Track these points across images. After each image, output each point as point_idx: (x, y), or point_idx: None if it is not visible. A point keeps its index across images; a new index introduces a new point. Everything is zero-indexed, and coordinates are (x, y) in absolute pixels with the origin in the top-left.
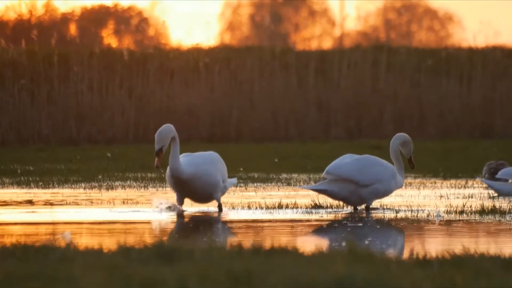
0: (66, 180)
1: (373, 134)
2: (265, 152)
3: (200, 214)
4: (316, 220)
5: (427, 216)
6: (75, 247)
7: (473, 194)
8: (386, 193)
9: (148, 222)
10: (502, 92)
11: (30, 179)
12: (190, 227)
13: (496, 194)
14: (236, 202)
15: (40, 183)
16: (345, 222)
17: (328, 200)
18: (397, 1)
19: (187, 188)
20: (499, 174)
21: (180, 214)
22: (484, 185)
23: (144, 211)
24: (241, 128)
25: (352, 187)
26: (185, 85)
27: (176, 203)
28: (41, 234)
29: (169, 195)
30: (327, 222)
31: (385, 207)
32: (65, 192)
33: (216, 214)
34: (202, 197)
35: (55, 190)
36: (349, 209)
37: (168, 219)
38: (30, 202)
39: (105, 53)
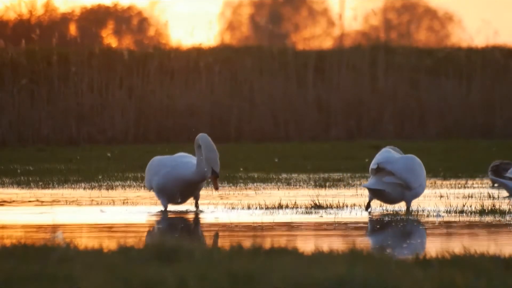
0: (66, 180)
1: (373, 134)
2: (265, 152)
3: (185, 214)
4: (316, 220)
5: (427, 216)
6: (75, 247)
7: (473, 194)
8: (417, 197)
9: (143, 225)
10: (502, 92)
11: (30, 179)
12: (185, 227)
13: (507, 194)
14: (236, 203)
15: (40, 183)
16: (345, 222)
17: (328, 200)
18: (397, 1)
19: (191, 189)
20: (509, 172)
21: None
22: (484, 185)
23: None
24: (241, 128)
25: (399, 187)
26: (185, 85)
27: (164, 208)
28: (31, 234)
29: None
30: (327, 222)
31: (385, 207)
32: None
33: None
34: (191, 196)
35: (54, 191)
36: (349, 209)
37: (163, 221)
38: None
39: (105, 53)
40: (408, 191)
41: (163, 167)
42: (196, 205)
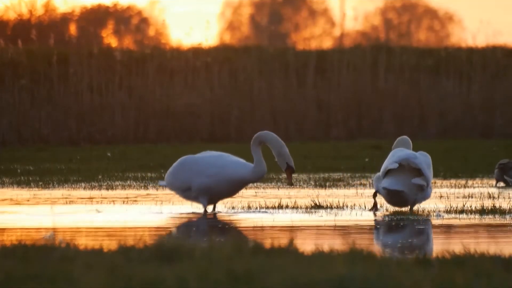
0: (66, 180)
1: (373, 134)
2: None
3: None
4: (316, 220)
5: (427, 216)
6: (75, 247)
7: (473, 194)
8: (428, 198)
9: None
10: (502, 92)
11: (30, 179)
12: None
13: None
14: (236, 203)
15: (40, 183)
16: (345, 222)
17: (328, 200)
18: (397, 1)
19: (238, 189)
20: None
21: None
22: (484, 185)
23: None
24: (241, 128)
25: (414, 188)
26: (185, 85)
27: (205, 208)
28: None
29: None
30: (327, 222)
31: (385, 207)
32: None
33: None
34: (231, 196)
35: (53, 191)
36: (349, 209)
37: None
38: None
39: (104, 53)
40: (421, 192)
41: (210, 166)
42: (214, 207)
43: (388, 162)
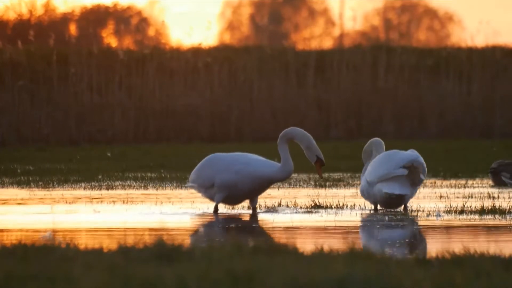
0: (66, 180)
1: (373, 134)
2: (265, 152)
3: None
4: (316, 220)
5: (427, 216)
6: (75, 247)
7: (473, 194)
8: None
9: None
10: (502, 92)
11: (30, 179)
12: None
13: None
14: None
15: (40, 183)
16: (345, 222)
17: (328, 200)
18: (397, 1)
19: (263, 189)
20: None
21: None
22: (484, 185)
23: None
24: (241, 128)
25: (413, 188)
26: (185, 85)
27: (217, 205)
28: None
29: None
30: (327, 222)
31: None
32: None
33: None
34: (254, 196)
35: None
36: (349, 209)
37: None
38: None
39: (104, 52)
40: (415, 190)
41: (236, 162)
42: (254, 209)
43: (388, 167)
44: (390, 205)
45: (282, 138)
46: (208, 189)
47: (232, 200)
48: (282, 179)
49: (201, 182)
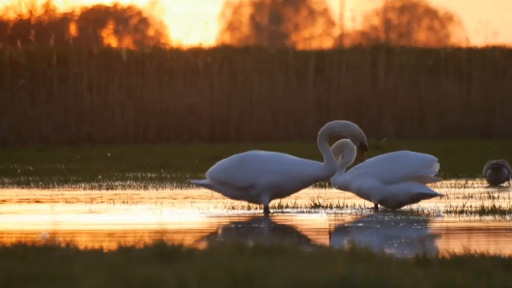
0: (66, 180)
1: (373, 134)
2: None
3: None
4: (316, 220)
5: (427, 216)
6: (75, 247)
7: (473, 194)
8: None
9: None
10: (502, 92)
11: (30, 179)
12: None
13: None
14: (236, 203)
15: (40, 183)
16: (345, 222)
17: (328, 200)
18: (397, 1)
19: (304, 188)
20: None
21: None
22: (485, 185)
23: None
24: (241, 128)
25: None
26: (185, 85)
27: (267, 207)
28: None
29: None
30: (327, 222)
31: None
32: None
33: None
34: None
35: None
36: (349, 209)
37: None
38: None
39: (104, 53)
40: None
41: (281, 164)
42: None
43: (410, 169)
44: (402, 204)
45: (321, 136)
46: (240, 190)
47: (273, 198)
48: (327, 177)
49: (236, 182)
